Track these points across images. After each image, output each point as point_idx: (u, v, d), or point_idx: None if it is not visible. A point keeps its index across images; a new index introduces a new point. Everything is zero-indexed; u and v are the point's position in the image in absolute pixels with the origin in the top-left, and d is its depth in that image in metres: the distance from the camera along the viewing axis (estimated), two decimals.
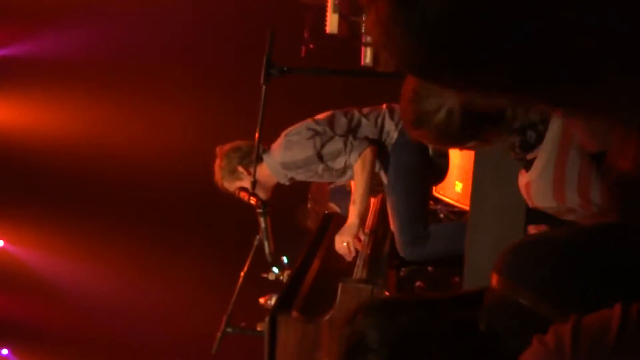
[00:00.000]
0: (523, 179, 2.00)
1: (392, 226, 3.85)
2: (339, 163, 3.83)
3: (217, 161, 4.04)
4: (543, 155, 1.90)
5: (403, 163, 3.80)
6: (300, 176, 3.98)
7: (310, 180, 4.14)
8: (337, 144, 3.79)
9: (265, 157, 3.90)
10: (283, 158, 3.87)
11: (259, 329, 3.89)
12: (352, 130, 3.87)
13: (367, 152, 3.75)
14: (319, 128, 3.87)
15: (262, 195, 3.87)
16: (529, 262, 1.39)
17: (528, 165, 1.97)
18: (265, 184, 3.95)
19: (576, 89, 0.95)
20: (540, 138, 1.87)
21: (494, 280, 1.41)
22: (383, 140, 3.87)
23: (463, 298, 1.54)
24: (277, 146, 3.94)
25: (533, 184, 1.95)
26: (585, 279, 1.32)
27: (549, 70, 0.95)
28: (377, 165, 3.88)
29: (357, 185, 3.82)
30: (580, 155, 1.84)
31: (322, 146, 3.80)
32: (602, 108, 0.99)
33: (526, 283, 1.34)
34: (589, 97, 0.96)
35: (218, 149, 4.08)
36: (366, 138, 3.83)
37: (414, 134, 1.78)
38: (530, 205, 2.04)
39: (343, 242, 3.77)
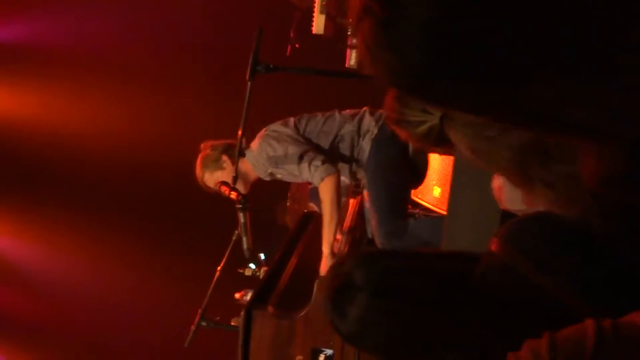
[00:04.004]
0: (496, 182, 2.06)
1: (372, 219, 3.88)
2: (297, 171, 3.84)
3: (201, 153, 4.06)
4: None
5: (382, 158, 3.82)
6: (279, 173, 4.00)
7: (287, 179, 4.14)
8: (297, 151, 3.80)
9: (247, 152, 3.93)
10: (260, 152, 3.91)
11: (233, 323, 3.92)
12: (324, 133, 3.90)
13: (330, 179, 3.74)
14: (291, 130, 3.90)
15: (242, 189, 3.89)
16: (532, 234, 1.43)
17: None
18: (245, 177, 3.97)
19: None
20: None
21: (495, 245, 1.44)
22: (362, 135, 3.90)
23: (450, 255, 1.58)
24: (257, 140, 3.97)
25: (504, 188, 2.01)
26: (583, 258, 1.35)
27: (521, 94, 0.98)
28: (354, 166, 3.92)
29: (323, 213, 3.82)
30: None
31: (286, 152, 3.83)
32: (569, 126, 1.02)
33: (526, 252, 1.38)
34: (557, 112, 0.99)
35: (203, 144, 4.09)
36: (332, 161, 3.83)
37: (394, 128, 1.82)
38: (501, 207, 2.10)
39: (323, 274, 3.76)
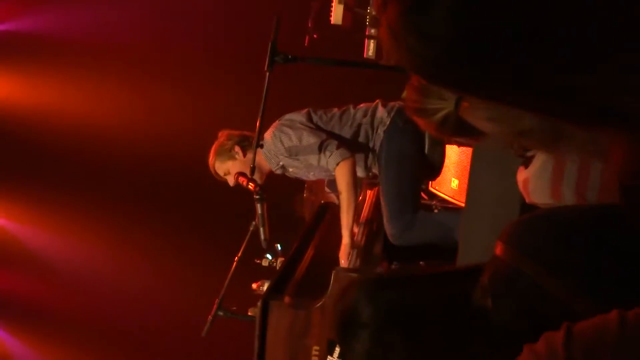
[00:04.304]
0: (521, 175, 2.03)
1: (383, 211, 3.87)
2: (314, 160, 3.84)
3: (217, 141, 4.09)
4: (541, 155, 1.93)
5: (394, 150, 3.82)
6: (291, 166, 3.99)
7: (300, 174, 4.11)
8: (312, 139, 3.80)
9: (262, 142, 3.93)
10: (274, 142, 3.91)
11: (250, 313, 3.92)
12: (339, 126, 3.89)
13: (346, 163, 3.75)
14: (305, 119, 3.90)
15: (258, 179, 3.91)
16: (537, 235, 1.38)
17: (527, 162, 1.99)
18: (260, 169, 3.98)
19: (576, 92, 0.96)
20: None
21: (499, 249, 1.40)
22: (375, 128, 3.89)
23: (455, 273, 1.55)
24: (270, 130, 3.98)
25: (531, 181, 1.98)
26: (592, 259, 1.31)
27: (550, 74, 0.96)
28: (370, 159, 3.91)
29: (340, 198, 3.82)
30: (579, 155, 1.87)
31: (301, 139, 3.84)
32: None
33: (532, 255, 1.34)
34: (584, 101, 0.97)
35: (220, 132, 4.12)
36: (347, 146, 3.83)
37: (411, 115, 1.80)
38: (527, 201, 2.07)
39: (342, 263, 3.74)
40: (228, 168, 4.00)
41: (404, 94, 1.78)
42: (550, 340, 1.13)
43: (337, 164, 3.74)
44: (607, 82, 0.94)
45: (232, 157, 4.01)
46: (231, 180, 4.00)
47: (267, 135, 3.96)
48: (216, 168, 4.06)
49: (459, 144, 3.69)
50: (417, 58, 1.01)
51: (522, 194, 2.06)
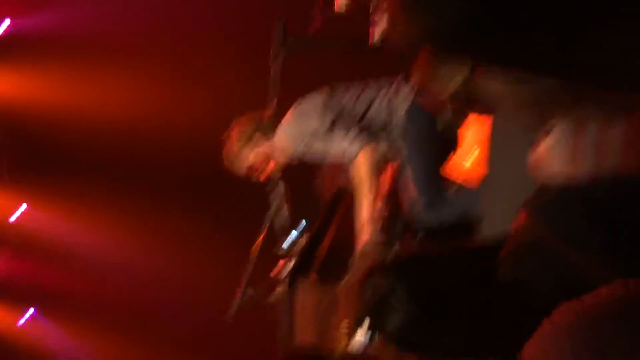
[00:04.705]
0: (540, 147, 2.02)
1: (412, 190, 3.87)
2: (334, 146, 3.86)
3: (234, 133, 4.07)
4: (559, 126, 1.95)
5: (418, 130, 3.82)
6: (310, 148, 3.98)
7: (318, 157, 4.08)
8: (332, 124, 3.80)
9: (280, 126, 3.93)
10: (295, 124, 3.92)
11: (274, 296, 3.96)
12: (360, 105, 3.92)
13: (366, 151, 3.77)
14: (325, 100, 3.91)
15: (280, 163, 3.95)
16: (559, 208, 1.40)
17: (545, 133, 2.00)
18: (284, 150, 3.98)
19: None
20: None
21: (522, 219, 1.41)
22: (396, 107, 3.89)
23: (479, 249, 1.59)
24: (290, 113, 3.97)
25: (550, 152, 1.98)
26: (612, 231, 1.32)
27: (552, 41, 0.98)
28: (396, 135, 3.95)
29: (360, 184, 3.83)
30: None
31: (322, 123, 3.83)
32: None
33: (554, 227, 1.36)
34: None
35: (233, 124, 4.12)
36: (367, 127, 3.85)
37: (423, 88, 1.79)
38: (545, 173, 2.07)
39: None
40: (256, 154, 3.99)
41: (414, 68, 1.78)
42: (567, 311, 1.17)
43: (357, 152, 3.77)
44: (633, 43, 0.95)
45: (256, 144, 4.00)
46: (261, 166, 4.00)
47: (288, 117, 3.96)
48: (243, 158, 4.03)
49: (475, 112, 3.70)
50: (431, 32, 1.04)
51: (536, 170, 2.06)
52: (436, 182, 3.82)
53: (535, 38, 0.99)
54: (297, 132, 3.93)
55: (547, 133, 2.01)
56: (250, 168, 3.92)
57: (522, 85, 1.42)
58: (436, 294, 1.47)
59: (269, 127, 3.95)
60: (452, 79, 1.64)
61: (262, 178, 3.76)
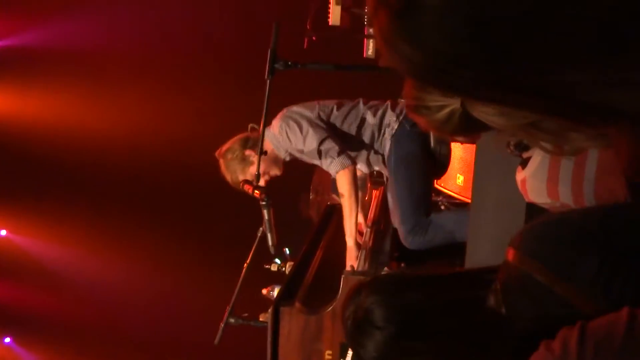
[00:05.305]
0: (520, 175, 2.04)
1: (394, 216, 3.87)
2: (316, 162, 3.85)
3: (222, 161, 4.02)
4: (537, 156, 1.93)
5: (403, 153, 3.83)
6: (296, 155, 3.99)
7: (306, 160, 4.07)
8: (315, 142, 3.79)
9: (267, 132, 3.80)
10: (280, 133, 3.91)
11: (261, 319, 3.92)
12: (346, 123, 3.89)
13: (347, 172, 3.76)
14: (312, 114, 3.90)
15: (276, 169, 3.94)
16: (547, 241, 1.38)
17: (524, 163, 2.00)
18: (275, 159, 3.97)
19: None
20: None
21: (510, 255, 1.40)
22: (383, 130, 3.90)
23: (466, 275, 1.56)
24: (277, 120, 3.96)
25: (528, 181, 1.99)
26: (601, 262, 1.30)
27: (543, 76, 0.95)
28: (378, 159, 3.92)
29: (342, 205, 3.83)
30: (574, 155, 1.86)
31: (305, 139, 3.82)
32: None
33: (543, 261, 1.34)
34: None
35: (217, 152, 4.06)
36: (349, 150, 3.83)
37: (412, 116, 1.79)
38: (526, 200, 2.08)
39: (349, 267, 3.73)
40: (252, 173, 3.88)
41: (404, 92, 1.77)
42: (566, 338, 1.16)
43: (337, 172, 3.77)
44: (603, 78, 0.93)
45: (250, 162, 3.93)
46: (263, 181, 3.90)
47: (275, 125, 3.94)
48: (241, 182, 3.94)
49: (461, 141, 3.69)
50: (409, 63, 1.01)
51: (522, 193, 2.07)
52: (419, 208, 3.78)
53: (516, 72, 0.96)
54: (283, 141, 3.92)
55: (525, 164, 1.98)
56: (243, 184, 3.85)
57: (512, 118, 1.45)
58: (415, 314, 1.46)
59: (253, 142, 3.91)
60: (443, 108, 1.62)
61: (255, 194, 3.70)
